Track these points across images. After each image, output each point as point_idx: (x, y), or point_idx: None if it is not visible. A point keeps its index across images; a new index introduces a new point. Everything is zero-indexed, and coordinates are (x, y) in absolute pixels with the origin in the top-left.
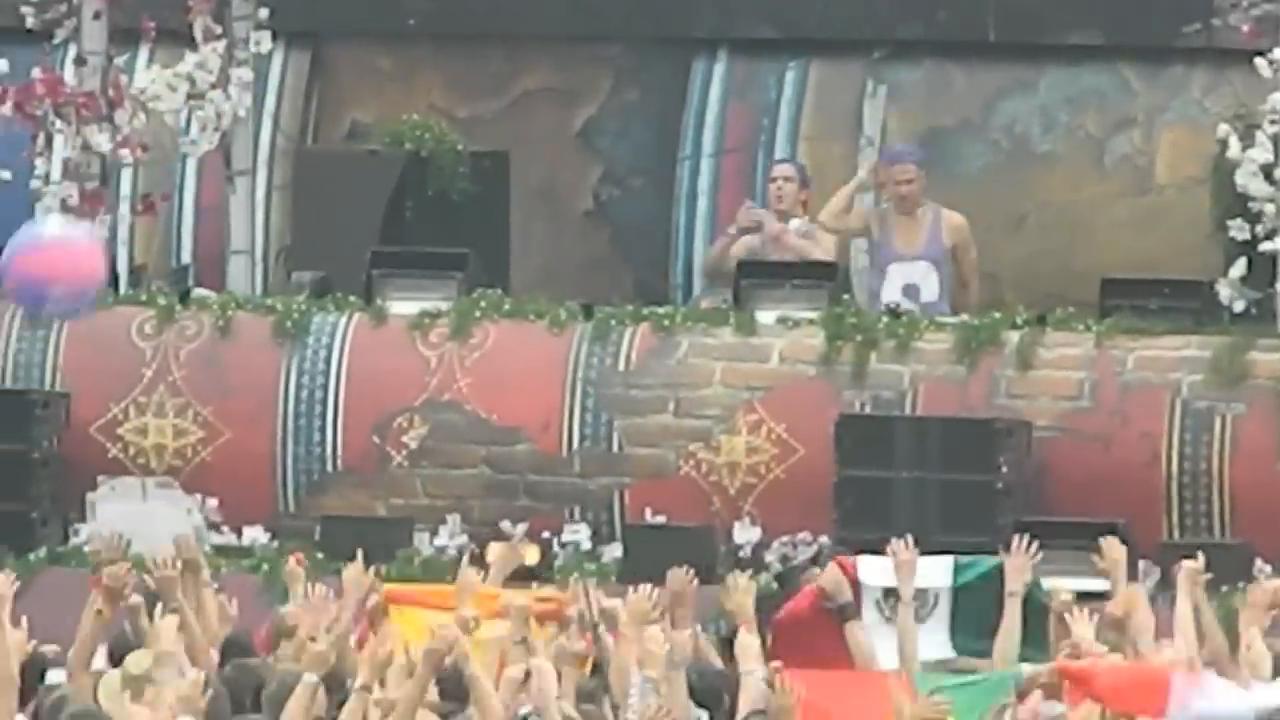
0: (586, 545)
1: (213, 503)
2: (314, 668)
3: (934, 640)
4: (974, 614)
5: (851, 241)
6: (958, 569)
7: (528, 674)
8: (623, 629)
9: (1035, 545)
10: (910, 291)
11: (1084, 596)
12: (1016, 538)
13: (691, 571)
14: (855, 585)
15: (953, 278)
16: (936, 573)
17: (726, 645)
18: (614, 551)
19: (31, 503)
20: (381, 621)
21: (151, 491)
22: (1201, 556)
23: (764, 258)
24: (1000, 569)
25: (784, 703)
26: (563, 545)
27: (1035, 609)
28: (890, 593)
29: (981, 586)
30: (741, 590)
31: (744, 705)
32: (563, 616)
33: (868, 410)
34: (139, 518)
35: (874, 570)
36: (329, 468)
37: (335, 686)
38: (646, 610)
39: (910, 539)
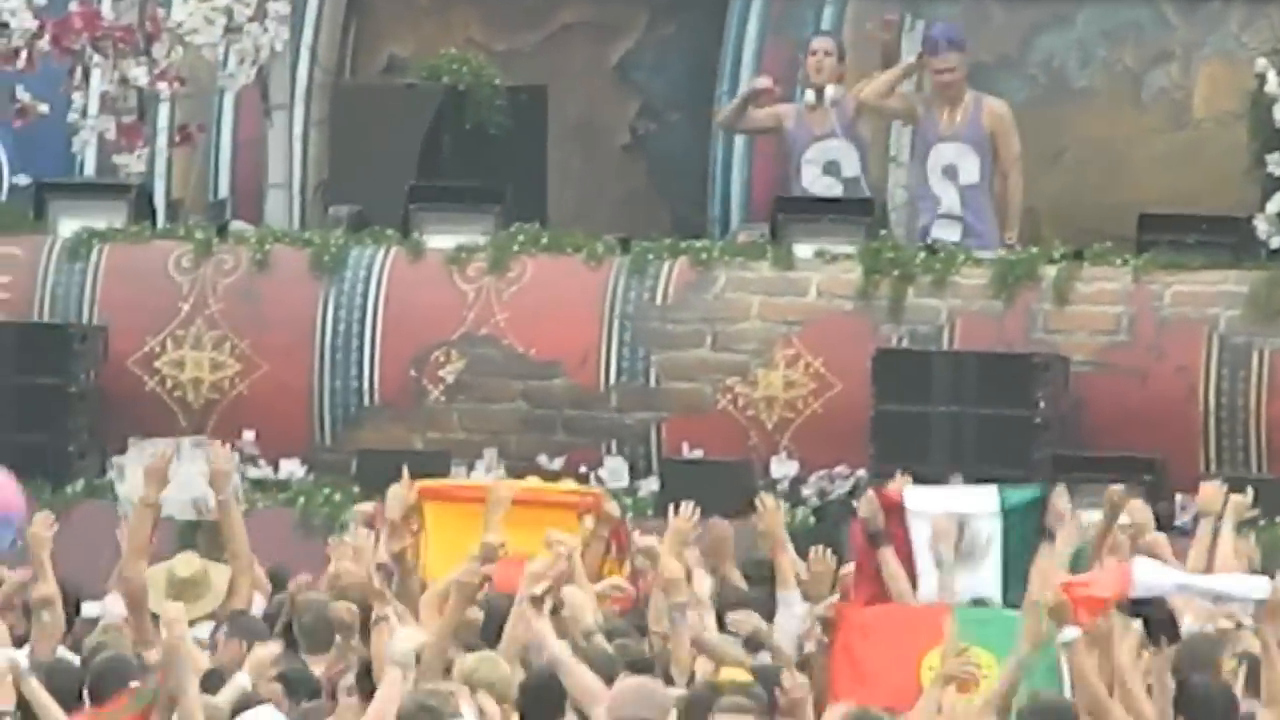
0: (623, 480)
1: (249, 436)
2: (346, 597)
3: (984, 580)
4: (1024, 561)
5: (890, 173)
6: (1003, 496)
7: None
8: (663, 563)
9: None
10: (949, 172)
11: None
12: (1065, 493)
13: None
14: (900, 511)
15: (993, 166)
16: (982, 500)
17: (759, 568)
18: (651, 486)
19: (69, 436)
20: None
21: (186, 452)
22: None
23: (798, 128)
24: (1044, 501)
25: (796, 696)
26: (600, 480)
27: (1079, 567)
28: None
29: (1031, 531)
30: (772, 510)
31: (777, 633)
32: (600, 510)
33: (905, 344)
34: (171, 476)
35: (920, 496)
36: (366, 401)
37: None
38: (687, 531)
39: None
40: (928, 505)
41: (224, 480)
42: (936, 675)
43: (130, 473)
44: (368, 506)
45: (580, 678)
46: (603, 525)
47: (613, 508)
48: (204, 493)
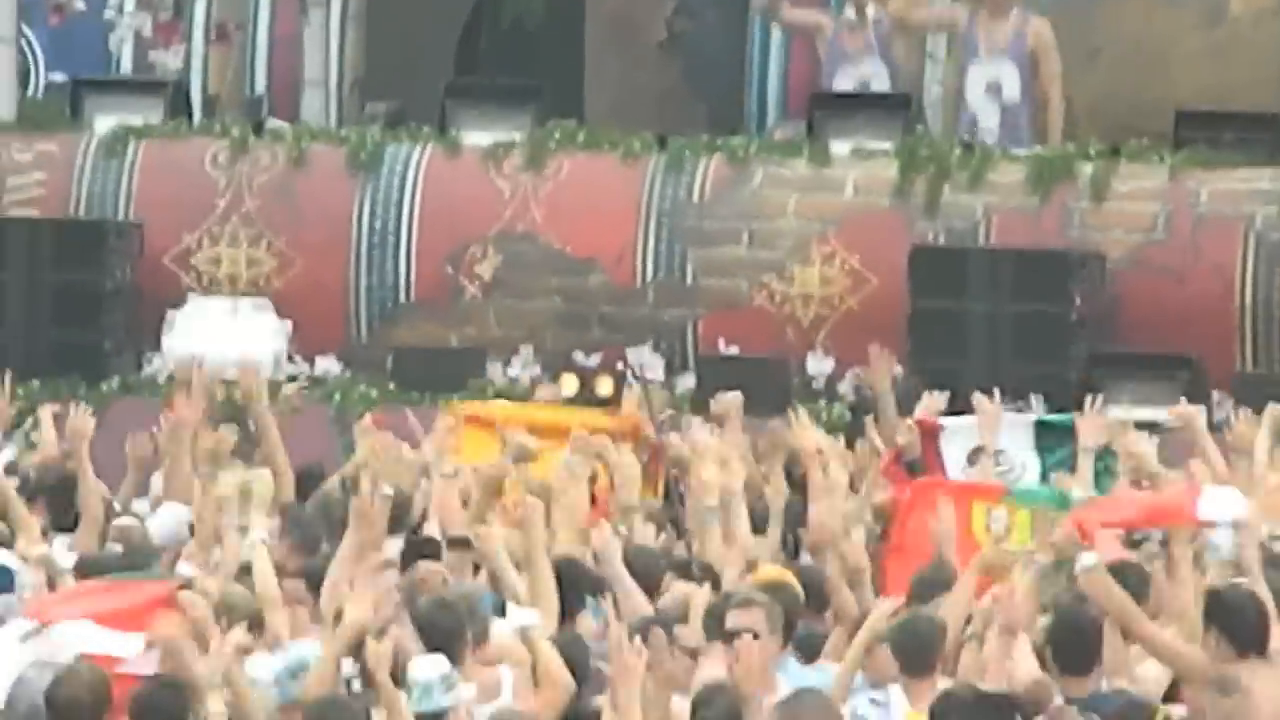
0: (659, 376)
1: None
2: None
3: None
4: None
5: (926, 70)
6: (1040, 431)
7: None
8: (694, 466)
9: (1106, 408)
10: (993, 89)
11: (1154, 427)
12: (1089, 398)
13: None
14: (936, 438)
15: (1033, 83)
16: (1019, 434)
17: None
18: (687, 382)
19: (105, 333)
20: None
21: (244, 311)
22: None
23: (834, 44)
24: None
25: (855, 563)
26: (635, 375)
27: (1105, 470)
28: (979, 450)
29: (1066, 458)
30: (804, 426)
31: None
32: (638, 436)
33: (941, 241)
34: (216, 337)
35: (957, 423)
36: (402, 298)
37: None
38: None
39: (997, 394)
40: (964, 422)
41: (256, 404)
42: (975, 559)
43: (179, 325)
44: (367, 420)
45: (630, 597)
46: (640, 450)
47: (650, 434)
48: (254, 353)
